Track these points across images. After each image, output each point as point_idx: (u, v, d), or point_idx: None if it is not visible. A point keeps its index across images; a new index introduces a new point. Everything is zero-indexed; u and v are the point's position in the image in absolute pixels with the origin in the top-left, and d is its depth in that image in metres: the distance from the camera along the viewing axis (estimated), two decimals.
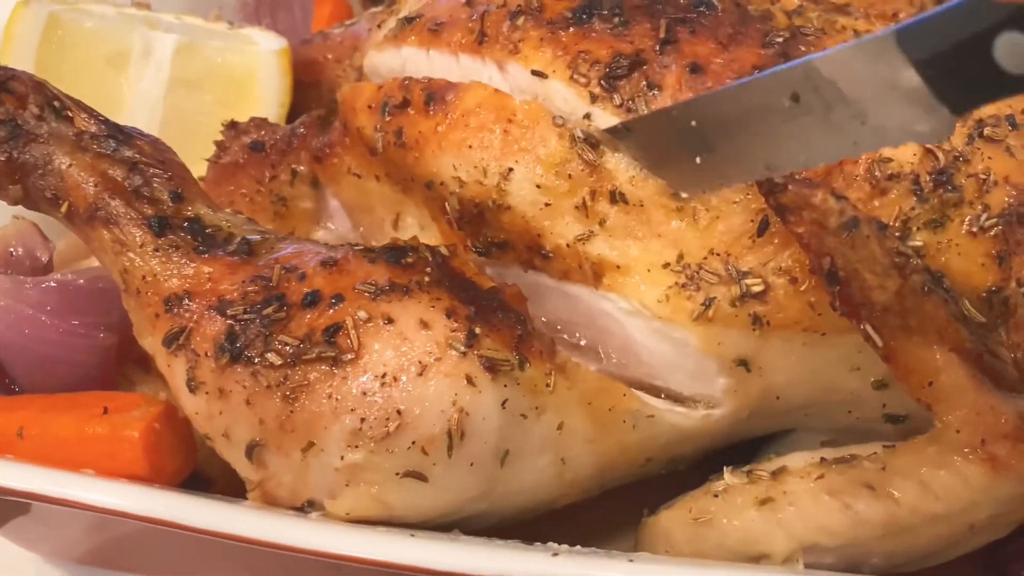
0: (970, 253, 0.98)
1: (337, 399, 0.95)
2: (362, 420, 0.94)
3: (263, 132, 1.26)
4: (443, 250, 1.05)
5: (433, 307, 0.97)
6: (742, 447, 1.11)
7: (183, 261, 1.04)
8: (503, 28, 1.12)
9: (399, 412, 0.94)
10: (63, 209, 1.06)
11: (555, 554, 0.95)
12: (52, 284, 1.18)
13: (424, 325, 0.96)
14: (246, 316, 0.99)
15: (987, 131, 1.01)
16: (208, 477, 1.13)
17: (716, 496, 1.02)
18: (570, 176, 1.03)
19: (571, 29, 1.09)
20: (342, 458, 0.95)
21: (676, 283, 1.01)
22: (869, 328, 0.92)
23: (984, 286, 0.98)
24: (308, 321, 0.98)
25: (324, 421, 0.95)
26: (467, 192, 1.07)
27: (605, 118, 1.05)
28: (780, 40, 1.06)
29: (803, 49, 1.05)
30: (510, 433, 0.98)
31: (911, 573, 1.02)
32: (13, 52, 1.37)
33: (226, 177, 1.24)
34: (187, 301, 1.02)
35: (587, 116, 1.05)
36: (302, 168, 1.26)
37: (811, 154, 0.87)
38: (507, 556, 0.93)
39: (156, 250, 1.04)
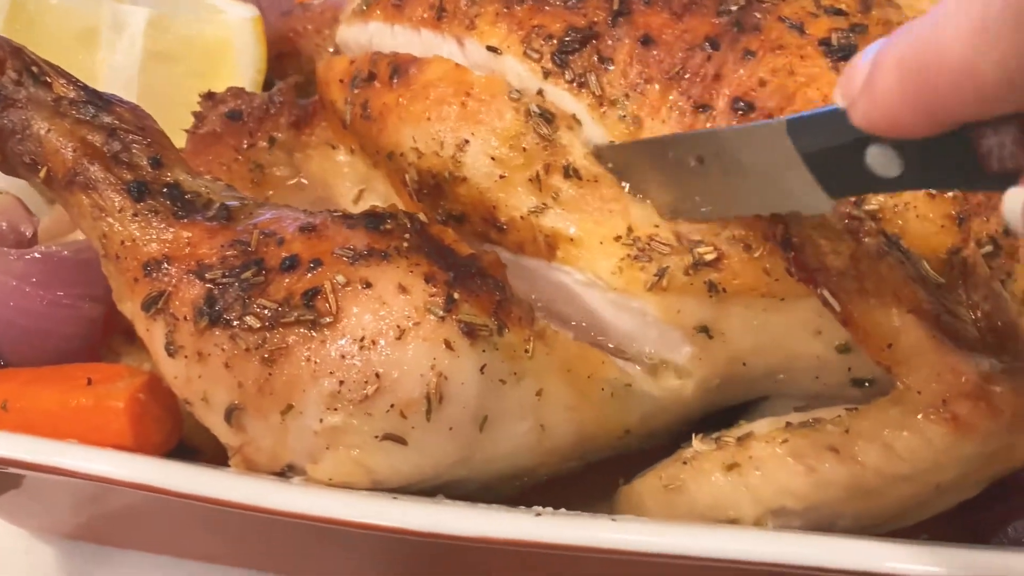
0: (929, 215, 0.98)
1: (316, 362, 0.95)
2: (340, 383, 0.94)
3: (240, 101, 1.26)
4: (422, 216, 1.06)
5: (412, 272, 0.98)
6: (721, 417, 1.11)
7: (162, 226, 1.04)
8: (461, 3, 1.12)
9: (377, 375, 0.94)
10: (42, 175, 1.06)
11: (538, 515, 0.95)
12: (36, 255, 1.17)
13: (403, 290, 0.97)
14: (225, 280, 0.99)
15: None
16: (195, 448, 1.13)
17: (685, 463, 1.02)
18: (524, 149, 1.04)
19: (526, 3, 1.09)
20: (321, 420, 0.96)
21: (628, 255, 1.01)
22: (826, 293, 0.92)
23: (944, 248, 0.98)
24: (287, 285, 0.98)
25: (303, 384, 0.95)
26: (424, 163, 1.08)
27: (558, 94, 1.05)
28: (735, 8, 1.05)
29: (757, 16, 1.04)
30: (489, 398, 0.98)
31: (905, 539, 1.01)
32: None
33: (205, 147, 1.24)
34: (166, 265, 1.02)
35: (540, 92, 1.06)
36: (280, 135, 1.26)
37: (715, 208, 0.97)
38: (491, 518, 0.94)
39: (135, 215, 1.04)
